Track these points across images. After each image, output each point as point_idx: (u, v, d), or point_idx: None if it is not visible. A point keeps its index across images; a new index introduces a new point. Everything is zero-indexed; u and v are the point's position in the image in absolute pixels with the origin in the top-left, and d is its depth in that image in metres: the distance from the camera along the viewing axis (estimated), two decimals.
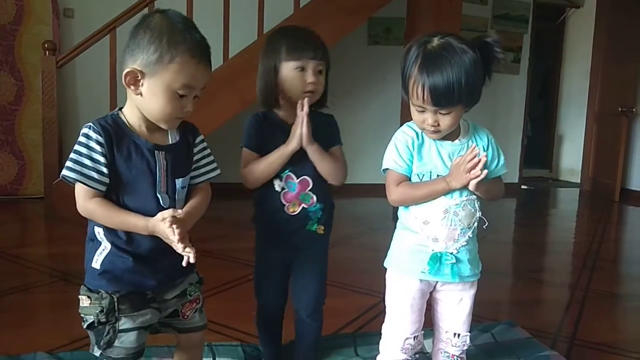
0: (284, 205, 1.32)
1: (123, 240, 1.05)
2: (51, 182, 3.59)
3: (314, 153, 1.30)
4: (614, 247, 3.52)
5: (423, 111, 1.14)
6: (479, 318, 1.90)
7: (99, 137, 1.00)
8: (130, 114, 1.07)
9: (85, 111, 4.31)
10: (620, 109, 5.29)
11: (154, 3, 3.50)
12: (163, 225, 0.97)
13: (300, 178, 1.32)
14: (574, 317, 2.05)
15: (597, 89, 5.95)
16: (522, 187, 6.06)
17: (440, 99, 1.10)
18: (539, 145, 7.52)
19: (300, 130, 1.27)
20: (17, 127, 4.13)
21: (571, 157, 7.10)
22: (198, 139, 1.16)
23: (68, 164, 1.01)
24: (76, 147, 1.01)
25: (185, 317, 1.17)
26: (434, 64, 1.08)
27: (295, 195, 1.32)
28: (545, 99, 7.83)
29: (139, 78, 1.01)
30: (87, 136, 1.01)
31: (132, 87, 1.03)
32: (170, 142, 1.10)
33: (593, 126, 6.02)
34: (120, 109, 1.09)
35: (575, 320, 2.02)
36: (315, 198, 1.34)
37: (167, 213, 0.99)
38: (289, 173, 1.32)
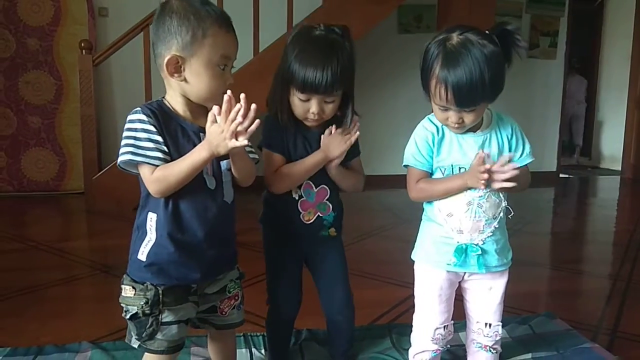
0: (300, 213, 1.28)
1: (176, 228, 1.05)
2: (91, 178, 3.69)
3: (338, 172, 1.27)
4: None
5: (446, 110, 1.12)
6: (517, 310, 1.87)
7: (151, 119, 1.02)
8: (173, 102, 1.09)
9: (121, 108, 4.41)
10: None
11: None
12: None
13: (319, 187, 1.29)
14: (616, 308, 2.00)
15: (639, 72, 5.73)
16: (561, 175, 5.90)
17: (464, 100, 1.09)
18: None
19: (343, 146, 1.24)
20: (57, 125, 4.26)
21: (612, 143, 6.87)
22: None
23: (128, 149, 1.00)
24: (130, 133, 1.01)
25: (223, 313, 1.18)
26: (456, 65, 1.06)
27: (313, 204, 1.29)
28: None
29: (180, 64, 1.03)
30: (141, 121, 1.02)
31: (175, 76, 1.04)
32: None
33: (634, 111, 5.80)
34: (162, 98, 1.11)
35: (617, 311, 1.96)
36: (331, 207, 1.31)
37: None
38: (308, 181, 1.27)
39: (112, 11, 4.39)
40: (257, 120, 0.98)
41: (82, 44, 3.66)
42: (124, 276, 1.09)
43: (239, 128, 0.96)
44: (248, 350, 1.56)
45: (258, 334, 1.61)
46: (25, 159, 4.25)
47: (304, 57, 1.17)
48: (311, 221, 1.29)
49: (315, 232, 1.31)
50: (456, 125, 1.14)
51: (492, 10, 3.76)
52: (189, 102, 1.08)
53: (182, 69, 1.04)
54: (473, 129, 1.19)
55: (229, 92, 0.98)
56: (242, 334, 1.59)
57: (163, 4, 1.06)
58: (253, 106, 0.96)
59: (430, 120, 1.21)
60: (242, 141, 0.97)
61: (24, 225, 3.46)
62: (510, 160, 1.11)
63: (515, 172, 1.09)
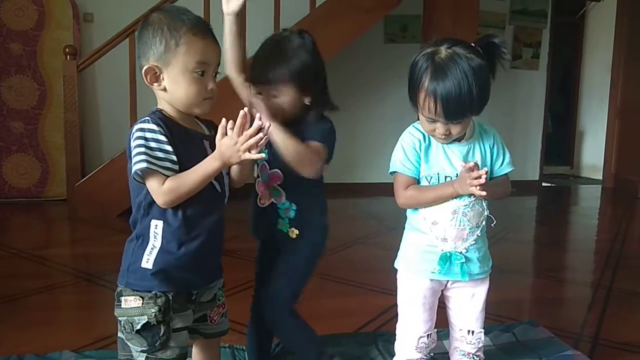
0: (258, 195, 1.31)
1: (186, 234, 1.05)
2: (74, 185, 3.65)
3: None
4: (638, 245, 3.45)
5: (434, 121, 1.14)
6: (500, 317, 1.89)
7: (161, 129, 1.03)
8: (168, 111, 1.10)
9: (105, 114, 4.38)
10: None
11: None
12: None
13: (273, 171, 1.28)
14: (597, 316, 2.02)
15: (619, 83, 5.83)
16: (543, 184, 5.98)
17: (452, 112, 1.11)
18: (560, 141, 7.41)
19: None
20: (40, 130, 4.21)
21: (593, 153, 6.98)
22: None
23: (142, 157, 1.00)
24: (141, 141, 1.01)
25: (213, 321, 1.19)
26: (445, 78, 1.08)
27: (265, 186, 1.30)
28: (565, 94, 7.71)
29: (157, 73, 1.06)
30: (152, 130, 1.02)
31: (155, 85, 1.07)
32: (207, 133, 1.13)
33: (615, 121, 5.90)
34: (157, 108, 1.11)
35: (598, 319, 1.99)
36: (284, 195, 1.28)
37: None
38: (265, 162, 1.28)
39: (97, 17, 4.37)
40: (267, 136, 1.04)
41: (67, 50, 3.63)
42: (122, 288, 1.06)
43: (255, 142, 1.00)
44: None
45: (243, 347, 1.59)
46: (7, 165, 4.19)
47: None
48: (265, 205, 1.30)
49: (270, 221, 1.30)
50: (443, 137, 1.16)
51: (475, 21, 3.81)
52: (176, 110, 1.10)
53: (161, 78, 1.06)
54: (458, 139, 1.21)
55: (245, 109, 1.03)
56: (227, 345, 1.58)
57: (145, 18, 1.09)
58: (267, 124, 1.02)
59: (416, 128, 1.23)
60: (257, 154, 1.01)
61: (5, 232, 3.40)
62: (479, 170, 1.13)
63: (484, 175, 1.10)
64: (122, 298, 1.05)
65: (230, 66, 1.28)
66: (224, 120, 1.02)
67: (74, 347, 1.60)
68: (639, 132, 5.29)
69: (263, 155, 1.02)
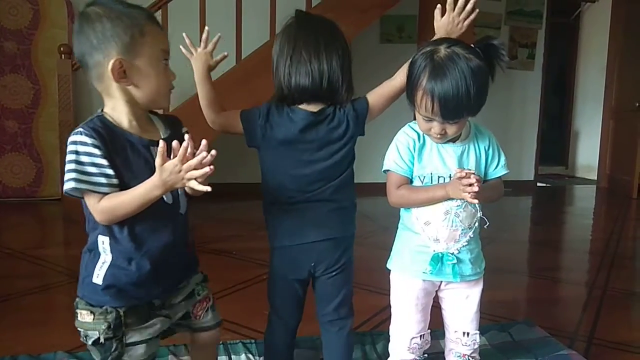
0: None
1: (135, 249, 1.00)
2: None
3: None
4: (632, 245, 3.47)
5: (430, 120, 1.14)
6: (496, 317, 1.89)
7: (94, 141, 0.94)
8: (116, 114, 1.01)
9: None
10: (637, 105, 5.21)
11: (167, 5, 3.53)
12: None
13: None
14: (592, 315, 2.03)
15: (614, 84, 5.86)
16: (538, 184, 6.00)
17: (449, 112, 1.10)
18: (555, 141, 7.44)
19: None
20: (35, 130, 4.19)
21: (587, 153, 7.01)
22: (184, 130, 1.11)
23: (72, 175, 0.93)
24: (73, 156, 0.94)
25: (197, 317, 1.17)
26: (443, 77, 1.08)
27: None
28: (560, 95, 7.74)
29: (123, 67, 0.97)
30: (83, 143, 0.94)
31: (122, 81, 0.99)
32: (163, 137, 1.05)
33: (610, 122, 5.93)
34: (101, 111, 1.03)
35: (593, 319, 1.99)
36: None
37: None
38: None
39: None
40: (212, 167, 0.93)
41: (62, 49, 3.62)
42: (78, 300, 1.03)
43: (200, 175, 0.91)
44: (228, 357, 1.54)
45: (237, 341, 1.60)
46: (1, 164, 4.17)
47: None
48: None
49: None
50: (438, 136, 1.16)
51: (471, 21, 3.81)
52: (134, 110, 1.02)
53: (126, 73, 0.98)
54: (453, 140, 1.21)
55: (187, 136, 0.93)
56: (221, 342, 1.58)
57: (83, 13, 0.98)
58: (213, 152, 0.92)
59: (412, 128, 1.23)
60: (206, 187, 0.92)
61: None
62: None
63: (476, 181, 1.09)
64: (77, 311, 1.02)
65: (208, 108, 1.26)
66: (162, 143, 0.91)
67: (68, 347, 1.59)
68: (633, 132, 5.32)
69: (208, 188, 0.92)
